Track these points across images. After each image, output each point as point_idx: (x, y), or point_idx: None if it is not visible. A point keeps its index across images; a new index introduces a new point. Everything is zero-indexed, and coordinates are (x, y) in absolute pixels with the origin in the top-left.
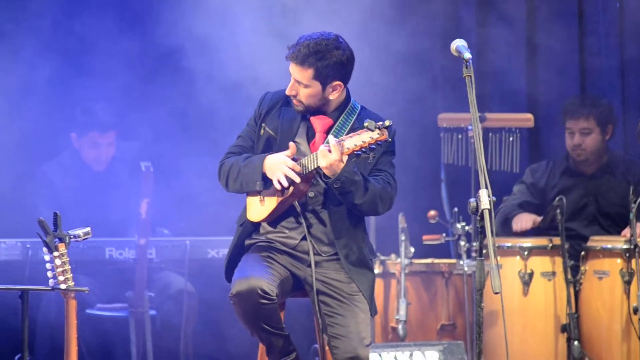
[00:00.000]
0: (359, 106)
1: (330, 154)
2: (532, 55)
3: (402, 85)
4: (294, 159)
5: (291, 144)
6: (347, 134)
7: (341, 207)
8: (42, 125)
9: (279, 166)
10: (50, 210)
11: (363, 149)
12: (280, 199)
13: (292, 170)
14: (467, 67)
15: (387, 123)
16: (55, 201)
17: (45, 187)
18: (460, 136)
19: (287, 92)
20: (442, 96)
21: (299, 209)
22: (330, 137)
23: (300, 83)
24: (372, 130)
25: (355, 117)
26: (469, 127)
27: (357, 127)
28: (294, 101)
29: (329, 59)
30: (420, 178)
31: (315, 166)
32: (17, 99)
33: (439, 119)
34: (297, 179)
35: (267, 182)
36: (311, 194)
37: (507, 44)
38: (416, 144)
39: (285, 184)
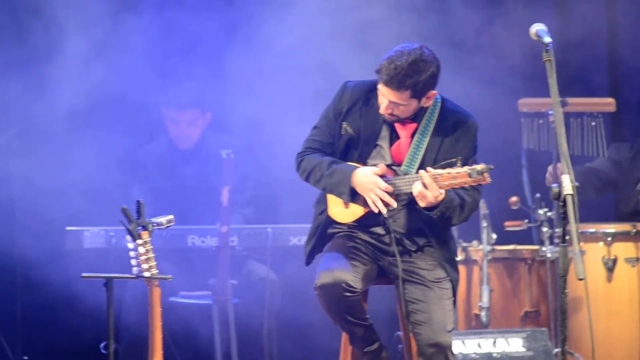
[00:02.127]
0: (440, 99)
1: (427, 195)
2: (613, 40)
3: (480, 69)
4: (382, 176)
5: (381, 166)
6: (434, 133)
7: None
8: (138, 112)
9: (370, 186)
10: (143, 196)
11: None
12: (367, 210)
13: (386, 192)
14: (547, 52)
15: (488, 168)
16: (148, 188)
17: (140, 173)
18: (541, 121)
19: (382, 112)
20: (522, 80)
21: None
22: (425, 176)
23: (397, 104)
24: (473, 177)
25: (437, 113)
26: (550, 112)
27: (440, 125)
28: (388, 116)
29: (423, 75)
30: (501, 164)
31: (409, 192)
32: (114, 84)
33: (519, 104)
34: (394, 205)
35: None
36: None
37: (588, 27)
38: (496, 129)
39: (384, 210)
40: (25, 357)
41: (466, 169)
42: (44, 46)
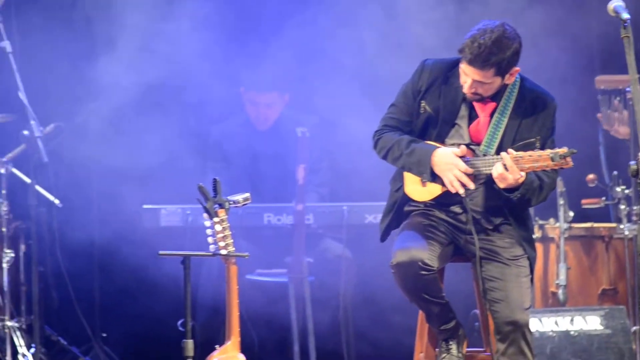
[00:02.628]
0: (519, 78)
1: (507, 178)
2: None
3: (557, 48)
4: (462, 157)
5: (462, 147)
6: (513, 112)
7: None
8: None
9: (449, 167)
10: (218, 174)
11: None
12: (444, 189)
13: (465, 173)
14: (624, 28)
15: (570, 152)
16: (224, 166)
17: (214, 152)
18: (618, 98)
19: (465, 91)
20: (599, 57)
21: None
22: (507, 158)
23: (482, 82)
24: (556, 161)
25: (517, 92)
26: (628, 89)
27: (519, 104)
28: (470, 95)
29: (507, 52)
30: (578, 141)
31: (488, 173)
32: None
33: (596, 81)
34: (472, 186)
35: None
36: None
37: None
38: (573, 106)
39: (461, 191)
40: (104, 334)
41: (549, 152)
42: (119, 26)
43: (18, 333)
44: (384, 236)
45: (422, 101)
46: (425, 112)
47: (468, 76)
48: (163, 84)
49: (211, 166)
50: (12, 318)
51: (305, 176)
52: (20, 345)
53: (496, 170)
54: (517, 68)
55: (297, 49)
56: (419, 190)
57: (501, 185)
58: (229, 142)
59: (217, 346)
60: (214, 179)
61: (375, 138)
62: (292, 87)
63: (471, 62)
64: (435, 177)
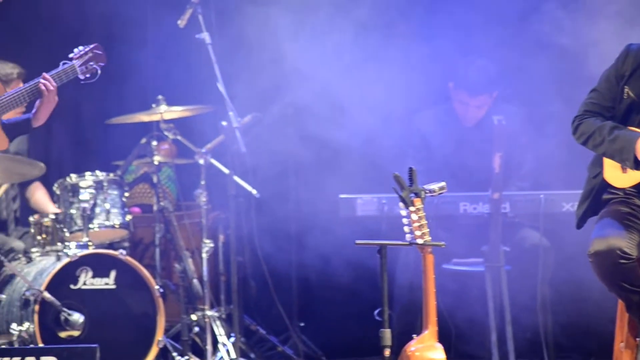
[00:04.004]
0: None
1: None
2: None
3: None
4: None
5: None
6: None
7: None
8: (418, 77)
9: None
10: (420, 163)
11: None
12: None
13: None
14: None
15: None
16: (425, 153)
17: (415, 139)
18: None
19: None
20: None
21: None
22: None
23: None
24: None
25: None
26: None
27: None
28: None
29: None
30: None
31: None
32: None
33: None
34: None
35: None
36: None
37: None
38: None
39: None
40: (302, 324)
41: None
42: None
43: (218, 322)
44: (581, 223)
45: (626, 86)
46: (629, 98)
47: None
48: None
49: (412, 155)
50: (212, 308)
51: (502, 165)
52: (220, 335)
53: None
54: None
55: (512, 45)
56: (619, 176)
57: None
58: (430, 130)
59: (414, 335)
60: (410, 168)
61: (575, 123)
62: (500, 83)
63: None
64: (639, 165)
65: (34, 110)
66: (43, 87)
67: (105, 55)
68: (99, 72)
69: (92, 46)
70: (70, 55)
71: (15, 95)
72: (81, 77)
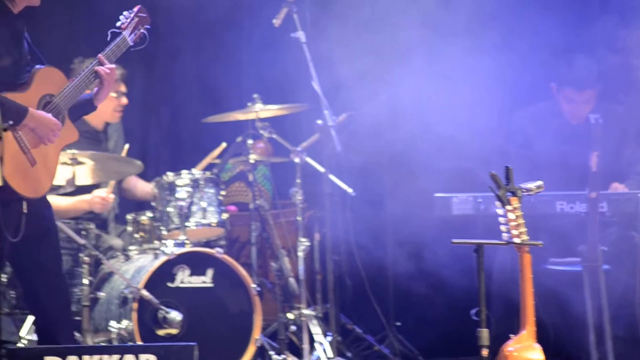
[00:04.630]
0: None
1: None
2: None
3: None
4: None
5: None
6: None
7: None
8: (518, 75)
9: None
10: (522, 160)
11: None
12: None
13: None
14: None
15: None
16: (526, 151)
17: (517, 137)
18: None
19: None
20: None
21: None
22: None
23: None
24: None
25: None
26: None
27: None
28: None
29: None
30: None
31: None
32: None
33: None
34: None
35: None
36: None
37: None
38: None
39: None
40: (398, 323)
41: None
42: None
43: (314, 321)
44: None
45: None
46: None
47: None
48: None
49: (514, 151)
50: (308, 306)
51: (598, 163)
52: (317, 333)
53: None
54: None
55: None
56: None
57: None
58: (533, 128)
59: (511, 335)
60: (506, 166)
61: None
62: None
63: None
64: None
65: (95, 90)
66: (102, 72)
67: (149, 16)
68: (147, 36)
69: (136, 9)
70: (118, 24)
71: (77, 85)
72: (131, 44)
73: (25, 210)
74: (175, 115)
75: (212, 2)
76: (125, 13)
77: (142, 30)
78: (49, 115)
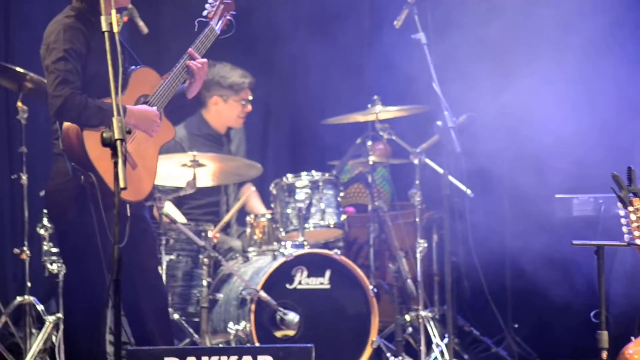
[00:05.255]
0: None
1: None
2: None
3: None
4: None
5: None
6: None
7: None
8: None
9: None
10: None
11: None
12: None
13: None
14: None
15: None
16: None
17: None
18: None
19: None
20: None
21: None
22: None
23: None
24: None
25: None
26: None
27: None
28: None
29: None
30: None
31: None
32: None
33: None
34: None
35: None
36: None
37: None
38: None
39: None
40: (516, 325)
41: None
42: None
43: (431, 323)
44: None
45: None
46: None
47: None
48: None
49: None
50: (425, 308)
51: None
52: (434, 335)
53: None
54: None
55: None
56: None
57: None
58: None
59: (632, 338)
60: (629, 167)
61: None
62: None
63: None
64: None
65: (186, 83)
66: (194, 67)
67: (234, 2)
68: (234, 23)
69: None
70: (204, 13)
71: (169, 82)
72: (219, 32)
73: (129, 214)
74: (295, 117)
75: (333, 3)
76: (210, 1)
77: (228, 17)
78: (146, 107)
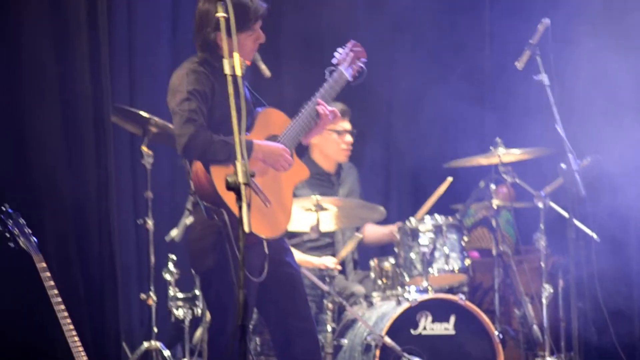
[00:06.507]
0: None
1: None
2: None
3: None
4: None
5: None
6: None
7: None
8: None
9: None
10: None
11: None
12: None
13: None
14: None
15: None
16: None
17: None
18: None
19: None
20: None
21: None
22: None
23: None
24: None
25: None
26: None
27: None
28: None
29: None
30: None
31: None
32: None
33: None
34: None
35: None
36: None
37: None
38: None
39: None
40: None
41: None
42: None
43: None
44: None
45: None
46: None
47: None
48: None
49: None
50: (552, 354)
51: None
52: None
53: None
54: None
55: None
56: None
57: None
58: None
59: None
60: None
61: None
62: None
63: None
64: None
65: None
66: (323, 113)
67: (364, 50)
68: (365, 70)
69: (349, 45)
70: (334, 61)
71: (301, 125)
72: (351, 80)
73: (267, 251)
74: (416, 161)
75: (452, 37)
76: (339, 49)
77: (359, 64)
78: (273, 143)
